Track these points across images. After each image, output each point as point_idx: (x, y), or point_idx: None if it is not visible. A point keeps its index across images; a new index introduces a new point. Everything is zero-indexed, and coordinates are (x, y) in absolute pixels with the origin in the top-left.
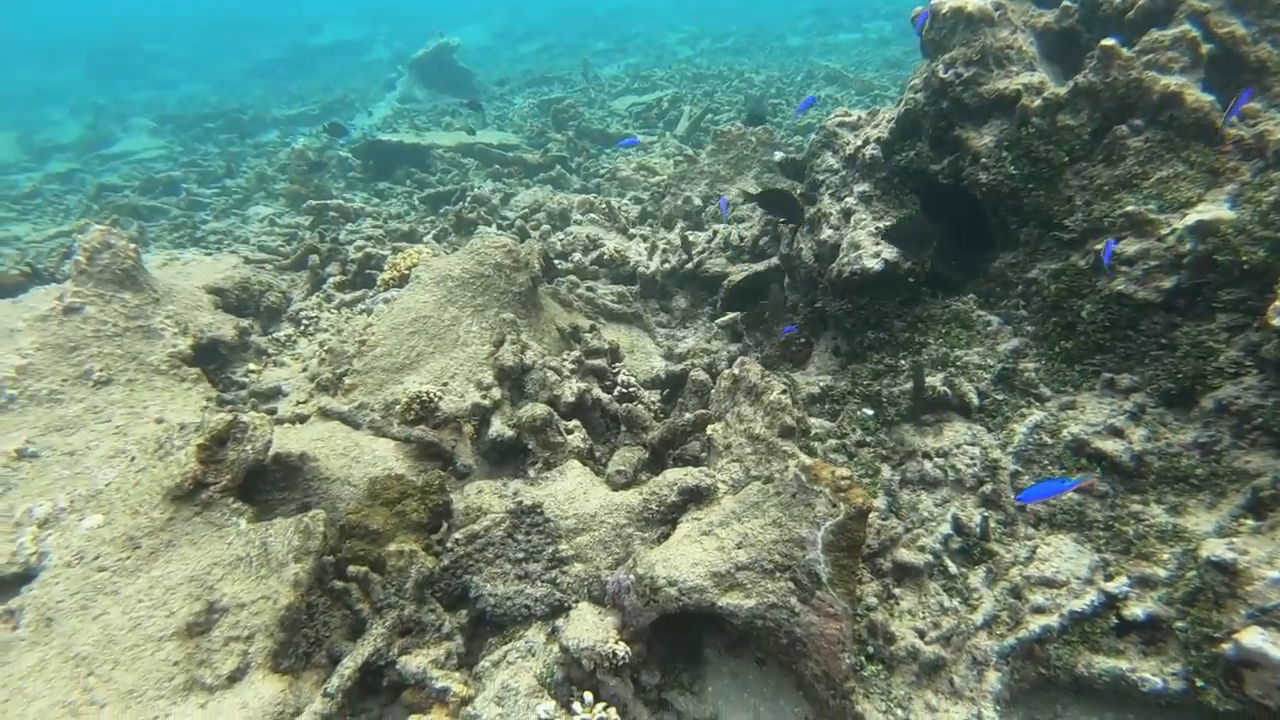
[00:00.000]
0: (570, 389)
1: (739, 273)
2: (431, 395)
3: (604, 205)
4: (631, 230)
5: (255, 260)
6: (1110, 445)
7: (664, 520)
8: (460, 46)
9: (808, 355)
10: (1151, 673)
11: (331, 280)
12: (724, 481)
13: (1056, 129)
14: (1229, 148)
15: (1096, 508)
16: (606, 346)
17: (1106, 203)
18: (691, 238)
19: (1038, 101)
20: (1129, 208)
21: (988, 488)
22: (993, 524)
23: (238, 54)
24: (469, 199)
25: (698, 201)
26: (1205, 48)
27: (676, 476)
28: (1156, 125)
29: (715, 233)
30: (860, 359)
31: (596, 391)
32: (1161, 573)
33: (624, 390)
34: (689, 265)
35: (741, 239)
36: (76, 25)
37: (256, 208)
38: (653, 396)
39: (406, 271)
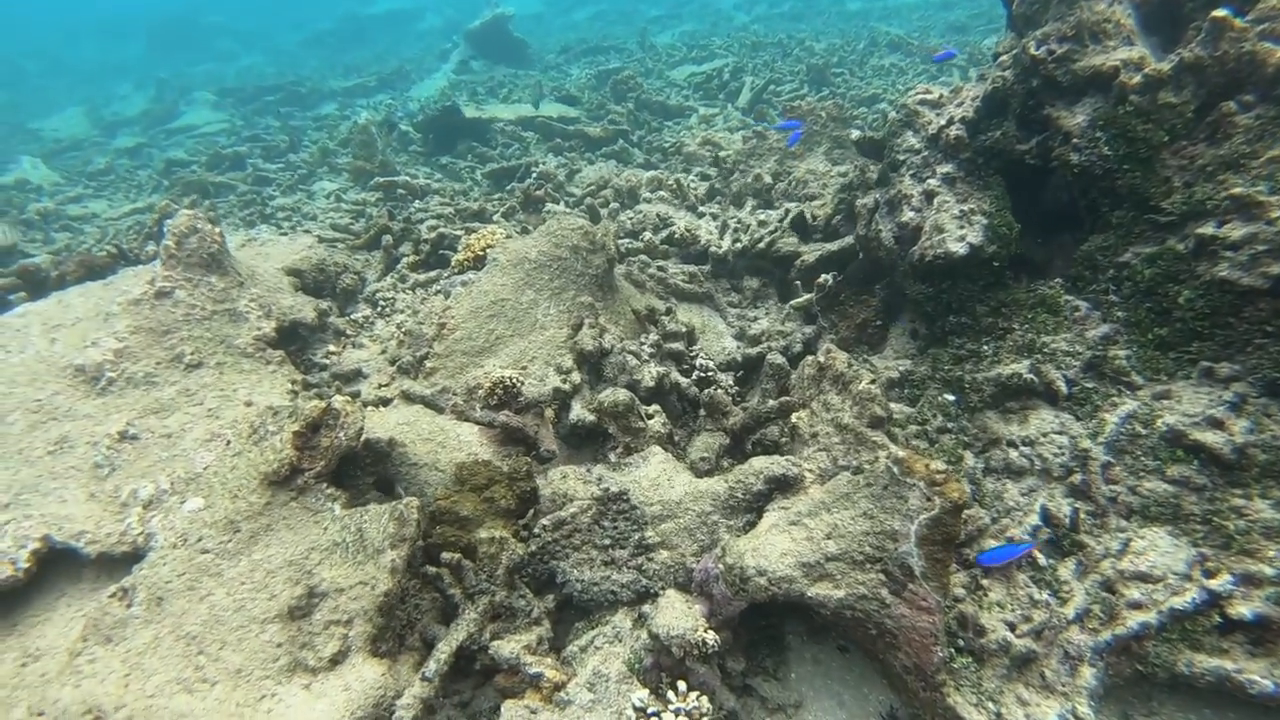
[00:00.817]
0: (650, 373)
1: (812, 253)
2: (514, 380)
3: (673, 183)
4: (701, 208)
5: (328, 239)
6: (1210, 437)
7: (750, 508)
8: (514, 16)
9: (883, 338)
10: (1261, 674)
11: (405, 261)
12: (811, 471)
13: (1157, 107)
14: None
15: (1193, 500)
16: (684, 329)
17: (1210, 184)
18: (762, 216)
19: (1137, 78)
20: (1235, 189)
21: (1077, 478)
22: (1082, 515)
23: (293, 25)
24: (535, 175)
25: (768, 179)
26: None
27: (763, 465)
28: (1270, 101)
29: (787, 212)
30: (941, 343)
31: (675, 375)
32: (1269, 570)
33: (702, 374)
34: (760, 244)
35: (814, 218)
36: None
37: (321, 183)
38: (728, 379)
39: (481, 252)
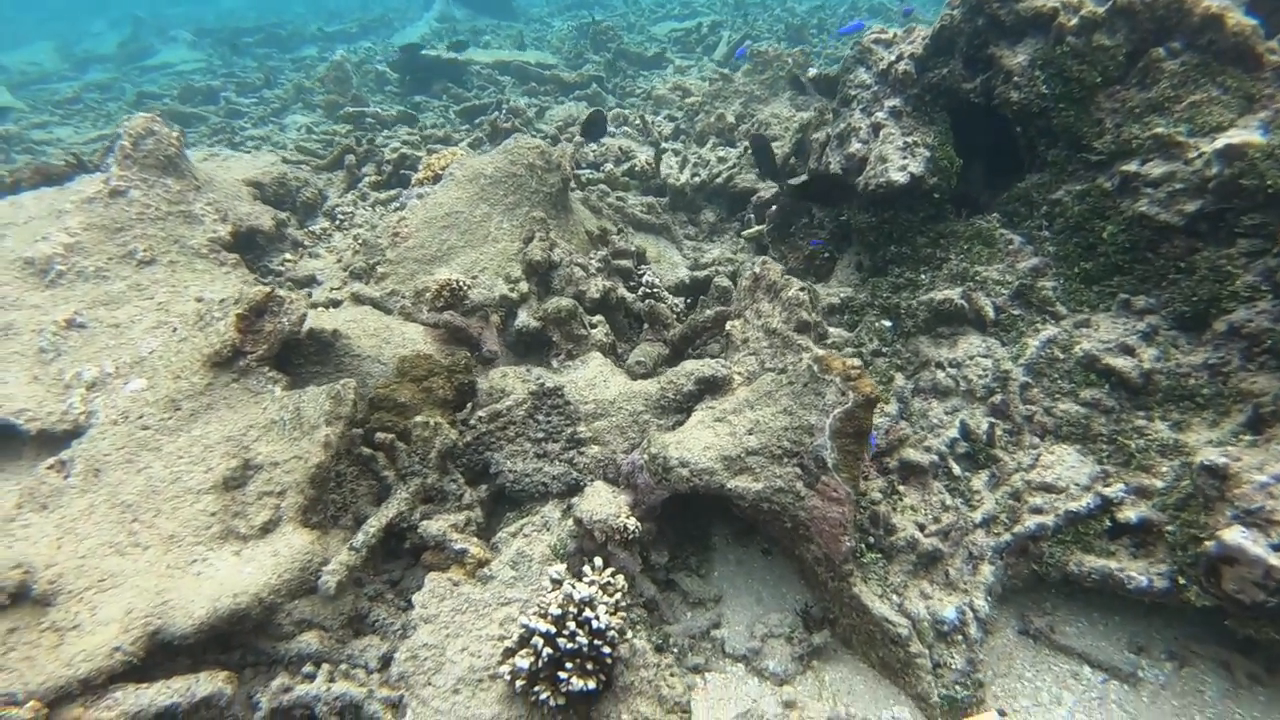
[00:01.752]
0: (596, 286)
1: (768, 189)
2: (461, 283)
3: (638, 119)
4: (664, 145)
5: (293, 161)
6: (1120, 362)
7: (680, 409)
8: None
9: (831, 269)
10: (1138, 572)
11: (367, 180)
12: (739, 373)
13: (1092, 49)
14: (1267, 74)
15: (1101, 421)
16: (633, 249)
17: (1137, 125)
18: (722, 154)
19: (1074, 20)
20: (1158, 129)
21: (997, 398)
22: (999, 432)
23: None
24: (505, 110)
25: (731, 119)
26: None
27: (694, 366)
28: (1194, 49)
29: (745, 149)
30: (881, 273)
31: (621, 290)
32: (1158, 483)
33: (648, 290)
34: (719, 179)
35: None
36: None
37: (294, 116)
38: (676, 301)
39: (441, 170)
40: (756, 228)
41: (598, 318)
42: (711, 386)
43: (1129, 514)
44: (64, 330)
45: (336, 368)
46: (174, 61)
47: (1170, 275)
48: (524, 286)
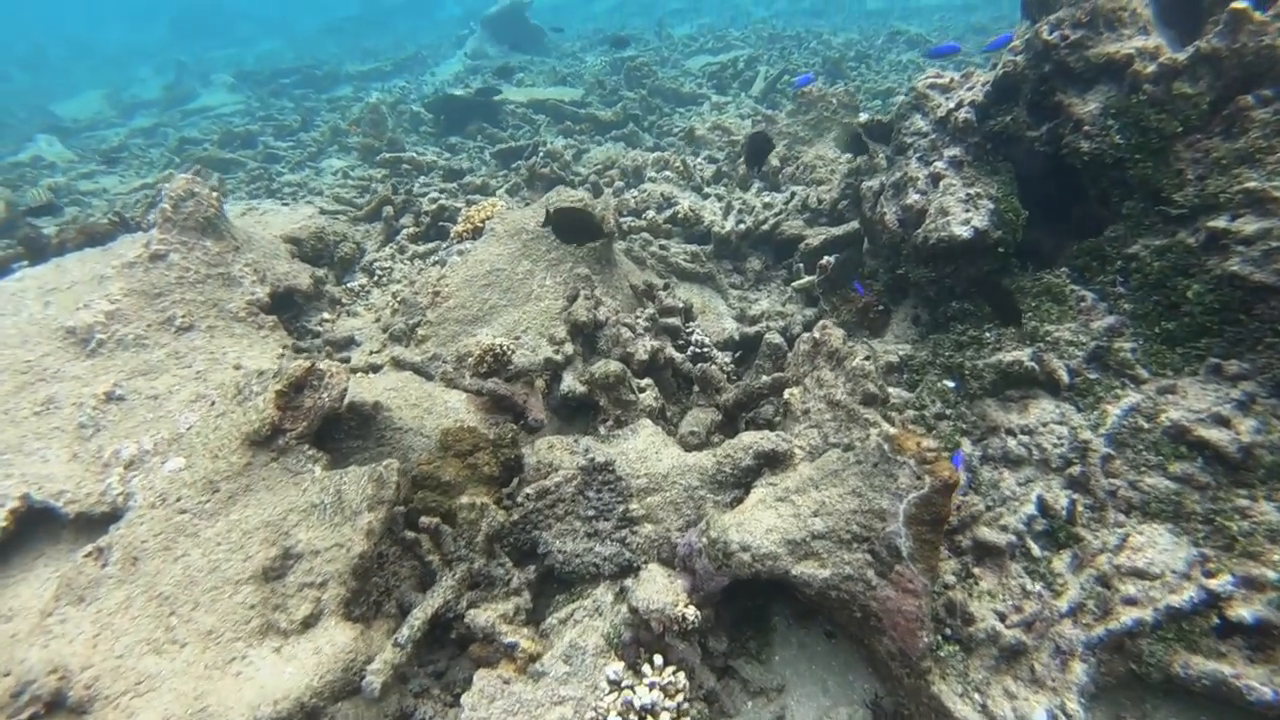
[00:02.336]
0: (643, 347)
1: (816, 236)
2: (504, 348)
3: (679, 163)
4: (706, 189)
5: (330, 211)
6: (1215, 434)
7: (738, 484)
8: (533, 4)
9: (886, 323)
10: (1260, 681)
11: (405, 232)
12: (801, 447)
13: (1171, 97)
14: None
15: (1195, 499)
16: (681, 305)
17: (1223, 178)
18: (768, 199)
19: (1151, 67)
20: (1250, 184)
21: (1075, 469)
22: (1080, 508)
23: (314, 11)
24: (542, 154)
25: (775, 162)
26: None
27: (752, 439)
28: None
29: (793, 194)
30: (943, 329)
31: (669, 350)
32: (1271, 574)
33: (697, 350)
34: (765, 226)
35: (820, 201)
36: None
37: (330, 160)
38: (725, 358)
39: (480, 224)
40: (806, 279)
41: (646, 381)
42: (771, 461)
43: (1241, 611)
44: (103, 404)
45: (378, 442)
46: (214, 105)
47: (1267, 339)
48: (569, 348)
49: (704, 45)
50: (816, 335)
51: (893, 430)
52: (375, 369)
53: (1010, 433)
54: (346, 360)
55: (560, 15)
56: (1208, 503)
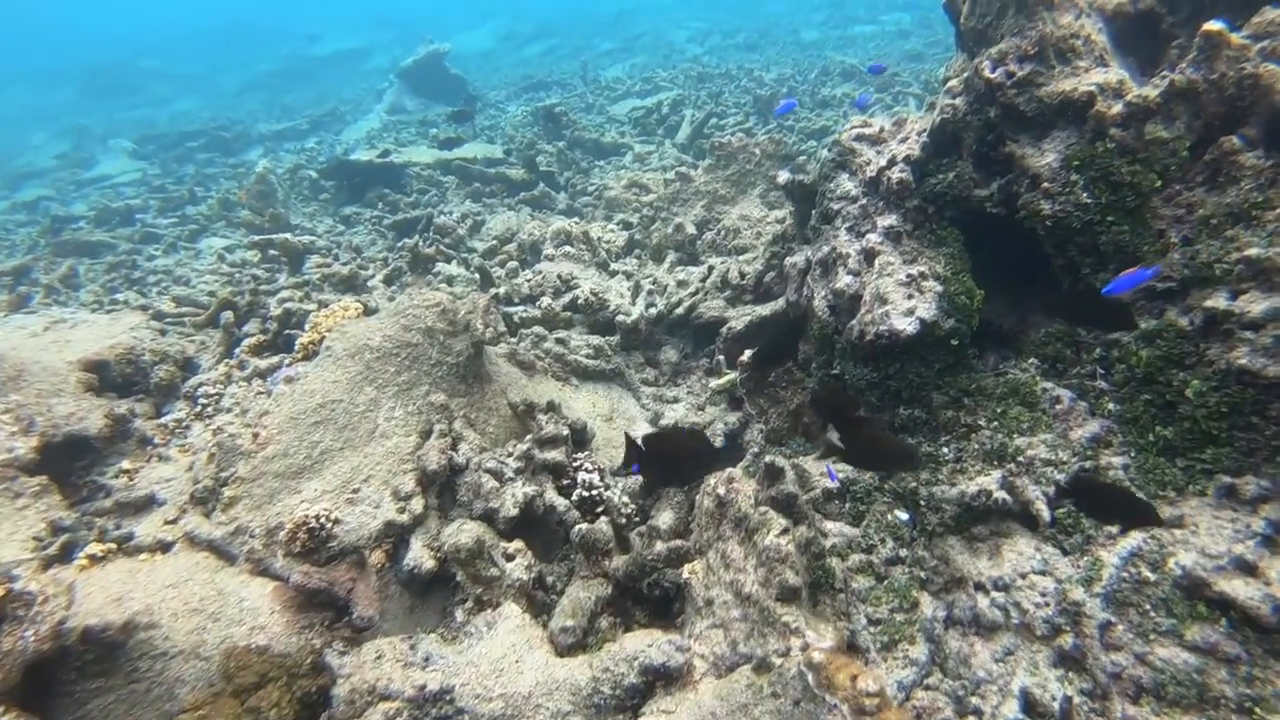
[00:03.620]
0: (512, 498)
1: (740, 317)
2: (323, 519)
3: (581, 235)
4: (614, 265)
5: (171, 315)
6: (1240, 589)
7: (621, 707)
8: (451, 52)
9: (824, 426)
10: None
11: (247, 343)
12: (702, 656)
13: (1144, 143)
14: None
15: (1223, 678)
16: (565, 432)
17: (1216, 241)
18: (683, 275)
19: (1118, 107)
20: (1250, 250)
21: (1067, 640)
22: (1077, 698)
23: (237, 67)
24: (433, 230)
25: (691, 229)
26: None
27: (637, 647)
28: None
29: (710, 269)
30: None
31: (550, 495)
32: None
33: (586, 493)
34: (680, 309)
35: (743, 275)
36: (76, 43)
37: (211, 240)
38: (625, 499)
39: (317, 343)
40: (728, 376)
41: (515, 545)
42: (664, 677)
43: None
44: None
45: (129, 678)
46: (112, 173)
47: None
48: (417, 505)
49: (631, 88)
50: (721, 492)
51: (819, 654)
52: (166, 547)
53: (981, 588)
54: (129, 538)
55: (491, 61)
56: (1240, 684)
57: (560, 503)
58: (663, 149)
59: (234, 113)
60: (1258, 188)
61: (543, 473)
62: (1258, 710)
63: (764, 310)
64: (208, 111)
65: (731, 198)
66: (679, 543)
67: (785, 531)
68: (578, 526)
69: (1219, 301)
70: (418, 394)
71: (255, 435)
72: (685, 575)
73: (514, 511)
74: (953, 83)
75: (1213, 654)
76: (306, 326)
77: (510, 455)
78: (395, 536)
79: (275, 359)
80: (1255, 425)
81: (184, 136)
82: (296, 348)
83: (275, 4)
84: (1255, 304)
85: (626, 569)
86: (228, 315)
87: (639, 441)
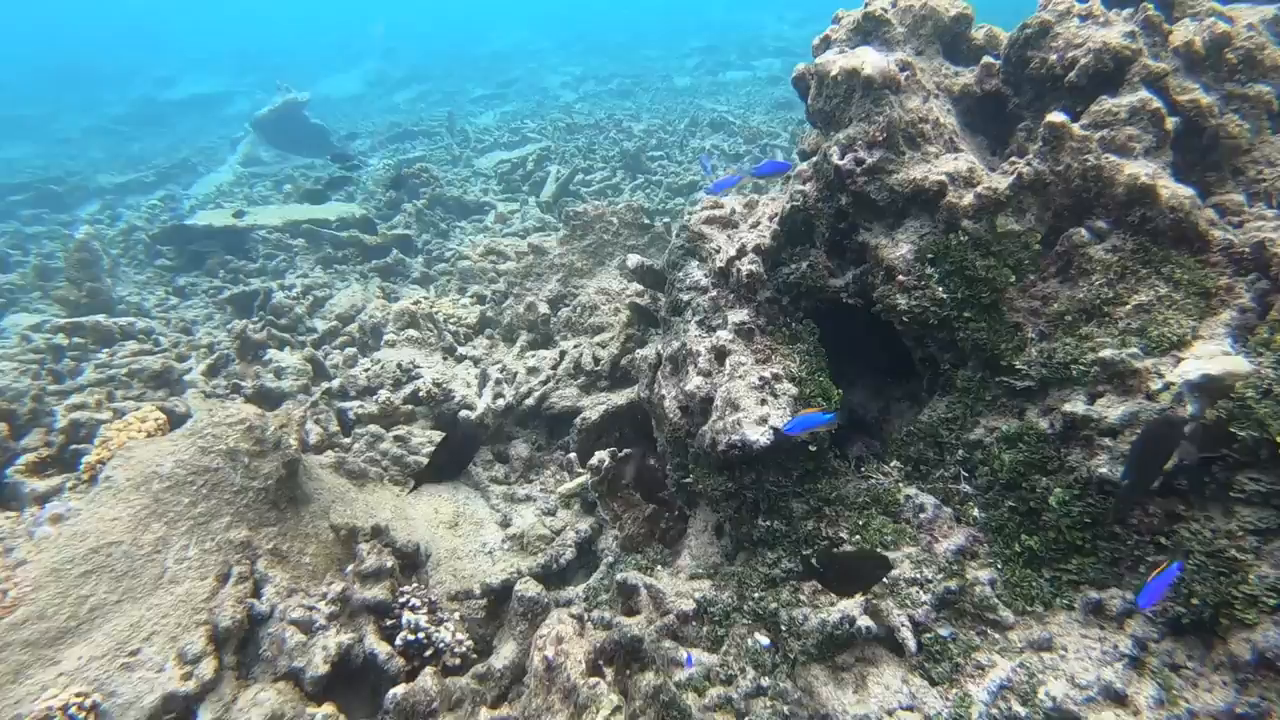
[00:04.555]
0: (323, 652)
1: (594, 406)
2: (76, 710)
3: (426, 315)
4: (462, 349)
5: None
6: None
7: None
8: (313, 100)
9: (681, 533)
10: None
11: (23, 461)
12: None
13: (997, 236)
14: (1216, 257)
15: None
16: (390, 564)
17: (1070, 339)
18: (534, 361)
19: (969, 198)
20: (1105, 352)
21: None
22: None
23: (80, 109)
24: (267, 310)
25: (544, 308)
26: (1170, 121)
27: None
28: (1125, 228)
29: (562, 354)
30: (750, 553)
31: (370, 642)
32: None
33: (412, 636)
34: (530, 400)
35: (597, 361)
36: None
37: (15, 317)
38: (460, 636)
39: (117, 451)
40: (578, 480)
41: (325, 711)
42: None
43: None
44: None
45: None
46: None
47: (1149, 557)
48: (207, 669)
49: (499, 139)
50: (550, 654)
51: None
52: None
53: None
54: None
55: (360, 107)
56: None
57: (382, 650)
58: (526, 208)
59: (73, 161)
60: (1108, 283)
61: (363, 614)
62: None
63: (619, 399)
64: (41, 159)
65: (589, 270)
66: (504, 712)
67: (616, 710)
68: (392, 691)
69: (1077, 406)
70: (217, 528)
71: (2, 594)
72: None
73: (324, 669)
74: (803, 167)
75: None
76: (95, 442)
77: (324, 598)
78: (178, 710)
79: (58, 480)
80: (1118, 535)
81: (5, 189)
82: (81, 468)
83: (125, 41)
84: (1112, 409)
85: None
86: (1, 427)
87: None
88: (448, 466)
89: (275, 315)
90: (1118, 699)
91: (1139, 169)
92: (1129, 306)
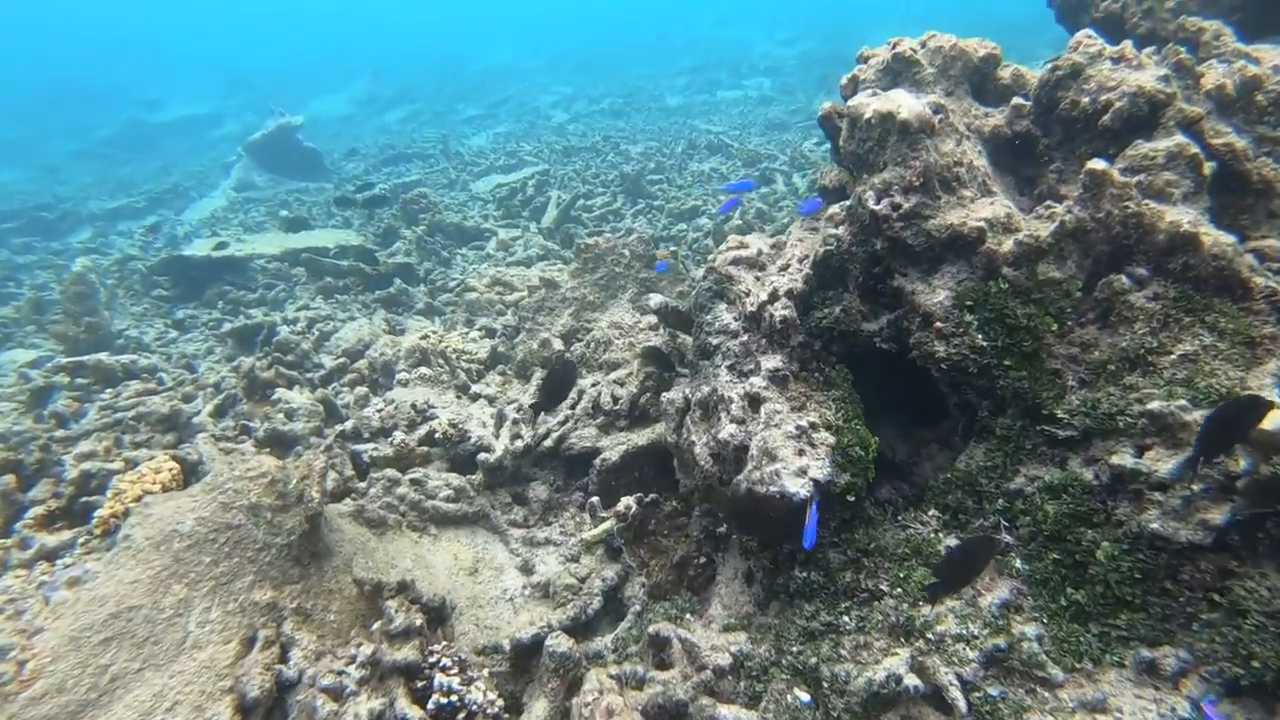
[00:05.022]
0: (354, 719)
1: (614, 448)
2: None
3: (438, 354)
4: (475, 387)
5: None
6: None
7: None
8: (305, 124)
9: (710, 579)
10: None
11: (32, 514)
12: None
13: (1039, 284)
14: (1260, 305)
15: None
16: (419, 622)
17: (1115, 388)
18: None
19: (1009, 245)
20: (1153, 404)
21: None
22: None
23: (66, 133)
24: (274, 344)
25: (558, 344)
26: (1207, 166)
27: None
28: (1166, 275)
29: (581, 393)
30: (785, 603)
31: (401, 706)
32: None
33: (444, 699)
34: (549, 441)
35: (616, 400)
36: None
37: (12, 353)
38: (492, 697)
39: (131, 504)
40: (604, 525)
41: None
42: None
43: None
44: None
45: None
46: None
47: (1204, 615)
48: None
49: (495, 162)
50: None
51: None
52: None
53: None
54: None
55: (350, 127)
56: None
57: (415, 715)
58: (528, 235)
59: (62, 187)
60: (1150, 331)
61: (393, 676)
62: None
63: (639, 439)
64: (29, 184)
65: (601, 303)
66: None
67: None
68: None
69: (1125, 459)
70: (239, 588)
71: (20, 665)
72: None
73: None
74: (834, 211)
75: None
76: (108, 494)
77: (353, 661)
78: None
79: (69, 534)
80: (1169, 591)
81: None
82: (94, 522)
83: (110, 62)
84: (1161, 463)
85: None
86: (7, 479)
87: None
88: None
89: (281, 352)
90: None
91: (1180, 215)
92: (1174, 356)
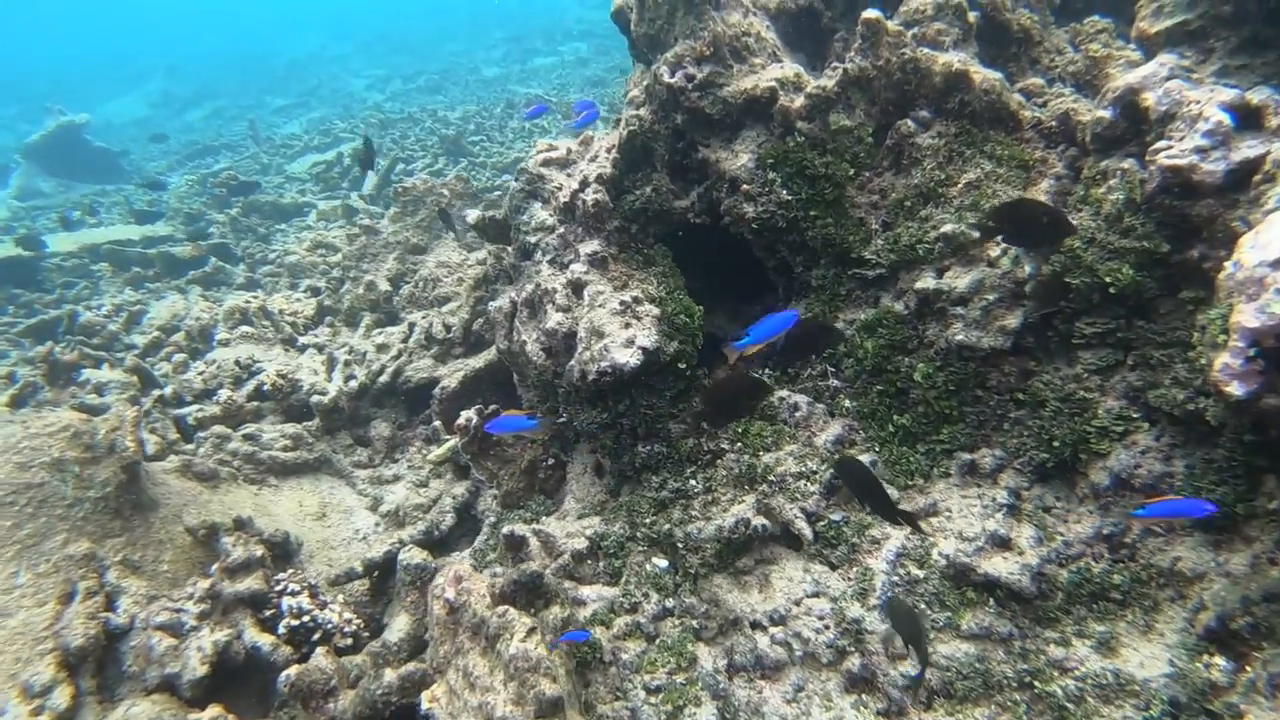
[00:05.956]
0: (199, 653)
1: (453, 374)
2: None
3: (259, 309)
4: (302, 339)
5: None
6: (1000, 566)
7: None
8: (91, 123)
9: (561, 479)
10: None
11: None
12: None
13: (831, 134)
14: (1029, 133)
15: (1002, 659)
16: (259, 553)
17: (913, 222)
18: (382, 339)
19: (800, 100)
20: (945, 228)
21: (854, 662)
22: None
23: None
24: (76, 328)
25: (385, 285)
26: (972, 16)
27: None
28: (946, 115)
29: (411, 326)
30: (634, 481)
31: (250, 635)
32: None
33: (296, 621)
34: (384, 376)
35: (448, 328)
36: None
37: None
38: (349, 618)
39: None
40: (447, 444)
41: (210, 714)
42: None
43: None
44: None
45: None
46: None
47: (1012, 414)
48: (62, 697)
49: (310, 143)
50: (450, 596)
51: None
52: None
53: (758, 625)
54: None
55: (147, 128)
56: (1016, 661)
57: (265, 642)
58: (349, 202)
59: None
60: (938, 166)
61: (237, 608)
62: (1036, 683)
63: (477, 362)
64: None
65: (426, 245)
66: (412, 667)
67: (532, 632)
68: (285, 673)
69: (928, 281)
70: (50, 547)
71: None
72: (426, 705)
73: (202, 670)
74: (634, 93)
75: (988, 638)
76: None
77: (190, 598)
78: None
79: None
80: (980, 398)
81: None
82: None
83: None
84: (959, 279)
85: (355, 711)
86: None
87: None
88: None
89: (85, 335)
90: (1003, 544)
91: (951, 58)
92: (960, 185)
